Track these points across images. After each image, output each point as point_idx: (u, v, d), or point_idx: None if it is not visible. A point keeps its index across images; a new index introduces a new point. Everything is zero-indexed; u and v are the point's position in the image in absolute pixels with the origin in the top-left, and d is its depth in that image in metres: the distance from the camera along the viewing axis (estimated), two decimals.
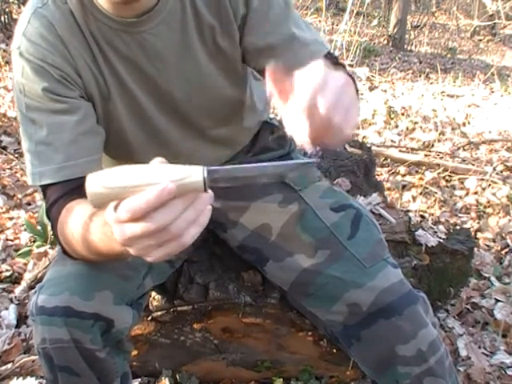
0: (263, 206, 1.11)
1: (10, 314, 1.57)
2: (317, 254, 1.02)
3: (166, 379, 1.31)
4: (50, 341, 0.88)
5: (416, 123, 3.77)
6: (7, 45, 4.85)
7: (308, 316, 1.12)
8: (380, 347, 0.95)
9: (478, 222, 2.32)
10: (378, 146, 3.11)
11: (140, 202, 0.52)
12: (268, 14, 0.94)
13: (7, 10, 5.21)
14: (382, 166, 2.93)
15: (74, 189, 0.84)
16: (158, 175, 0.53)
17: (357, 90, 0.88)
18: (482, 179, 2.73)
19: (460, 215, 2.41)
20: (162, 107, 0.99)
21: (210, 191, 0.55)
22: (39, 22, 0.88)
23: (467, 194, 2.63)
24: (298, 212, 1.07)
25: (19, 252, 1.86)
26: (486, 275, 1.87)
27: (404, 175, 2.82)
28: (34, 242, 1.93)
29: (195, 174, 0.53)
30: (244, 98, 1.10)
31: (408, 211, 2.22)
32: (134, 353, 1.25)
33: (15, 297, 1.65)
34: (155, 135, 1.02)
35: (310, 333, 1.25)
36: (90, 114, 0.93)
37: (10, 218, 2.16)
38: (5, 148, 2.79)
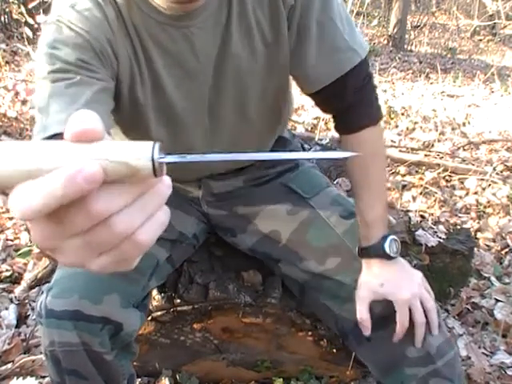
0: (272, 214, 1.11)
1: (10, 314, 1.57)
2: (327, 261, 1.02)
3: (166, 379, 1.31)
4: (59, 344, 0.87)
5: (416, 123, 3.77)
6: (7, 45, 4.84)
7: (319, 312, 1.11)
8: (390, 349, 0.95)
9: (478, 222, 2.32)
10: None
11: (36, 195, 0.32)
12: (309, 9, 0.90)
13: (7, 9, 5.20)
14: None
15: None
16: (82, 154, 0.33)
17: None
18: (482, 179, 2.73)
19: (460, 215, 2.40)
20: (194, 107, 0.96)
21: (166, 178, 0.36)
22: None
23: (467, 194, 2.63)
24: (307, 220, 1.07)
25: (19, 252, 1.86)
26: (486, 275, 1.87)
27: (404, 175, 2.82)
28: None
29: (141, 150, 0.34)
30: (283, 100, 1.07)
31: (408, 211, 2.22)
32: None
33: (15, 297, 1.64)
34: (178, 133, 0.99)
35: (310, 333, 1.25)
36: (110, 93, 0.86)
37: (10, 218, 2.15)
38: None
